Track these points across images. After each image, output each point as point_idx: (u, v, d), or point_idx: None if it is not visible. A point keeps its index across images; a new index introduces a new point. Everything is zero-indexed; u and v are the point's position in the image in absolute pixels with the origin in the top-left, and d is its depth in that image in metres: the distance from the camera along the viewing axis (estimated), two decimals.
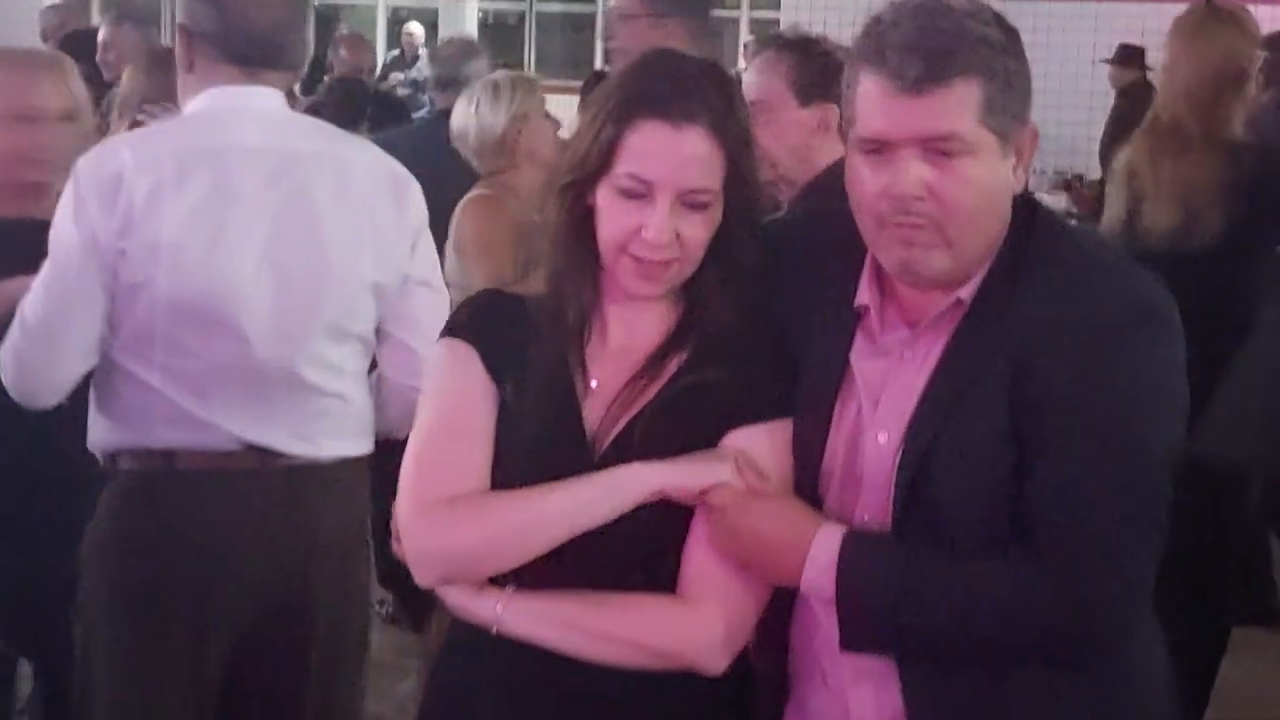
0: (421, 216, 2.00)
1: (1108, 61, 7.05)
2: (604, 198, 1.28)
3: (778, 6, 10.04)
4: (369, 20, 12.33)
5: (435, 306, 1.93)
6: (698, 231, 1.27)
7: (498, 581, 1.27)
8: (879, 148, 1.19)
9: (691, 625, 1.25)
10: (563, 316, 1.32)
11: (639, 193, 1.25)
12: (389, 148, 2.15)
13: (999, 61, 1.17)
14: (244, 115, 1.90)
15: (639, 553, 1.27)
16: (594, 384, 1.33)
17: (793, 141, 2.10)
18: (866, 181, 1.20)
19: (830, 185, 1.78)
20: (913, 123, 1.16)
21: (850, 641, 1.19)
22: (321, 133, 2.05)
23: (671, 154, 1.24)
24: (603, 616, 1.26)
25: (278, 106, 1.96)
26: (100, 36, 4.45)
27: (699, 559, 1.27)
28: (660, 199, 1.24)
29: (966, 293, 1.22)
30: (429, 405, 1.35)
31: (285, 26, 1.95)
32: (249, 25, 1.88)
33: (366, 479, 2.04)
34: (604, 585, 1.26)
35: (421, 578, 1.28)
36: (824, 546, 1.18)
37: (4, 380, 1.88)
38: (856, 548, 1.18)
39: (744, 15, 11.55)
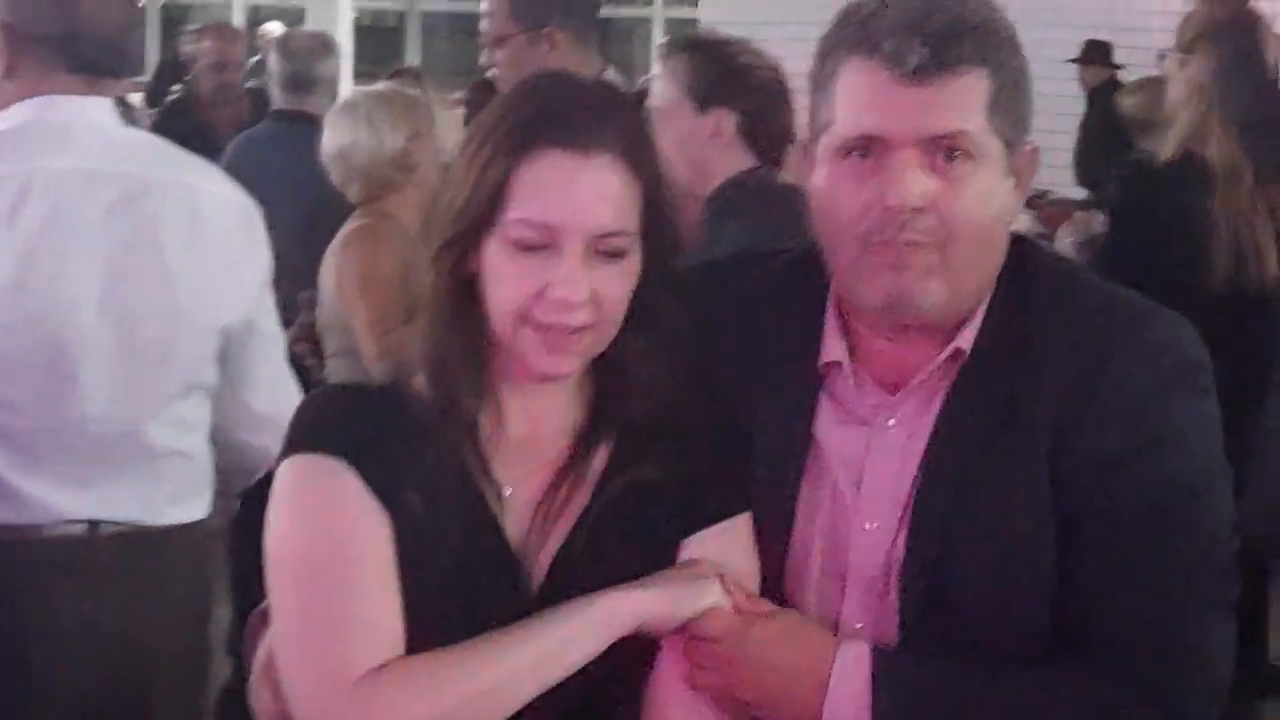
0: (269, 253, 1.86)
1: (1074, 61, 6.47)
2: (493, 254, 1.04)
3: (695, 3, 9.67)
4: (223, 20, 11.63)
5: (276, 357, 1.88)
6: (615, 287, 1.05)
7: None
8: (868, 150, 1.02)
9: None
10: (453, 411, 1.08)
11: (538, 243, 1.02)
12: (243, 164, 2.02)
13: (1008, 54, 1.04)
14: (81, 131, 1.69)
15: (597, 699, 1.07)
16: (507, 492, 1.10)
17: (692, 154, 1.95)
18: (848, 194, 1.03)
19: (727, 203, 1.82)
20: (914, 118, 1.01)
21: None
22: (165, 155, 1.84)
23: (577, 190, 1.02)
24: None
25: (113, 122, 1.77)
26: None
27: (667, 700, 1.07)
28: (568, 247, 1.02)
29: (966, 341, 1.05)
30: (299, 550, 1.07)
31: (131, 27, 1.80)
32: (98, 28, 1.67)
33: (217, 544, 1.97)
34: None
35: None
36: (849, 671, 1.01)
37: None
38: (890, 670, 1.00)
39: (658, 14, 11.24)
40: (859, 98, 1.03)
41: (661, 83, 2.09)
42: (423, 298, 1.12)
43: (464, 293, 1.08)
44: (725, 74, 2.01)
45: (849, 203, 1.03)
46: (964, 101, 1.01)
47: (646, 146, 1.11)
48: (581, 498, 1.11)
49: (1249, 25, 2.66)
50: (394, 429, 1.09)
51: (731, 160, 1.96)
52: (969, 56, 1.01)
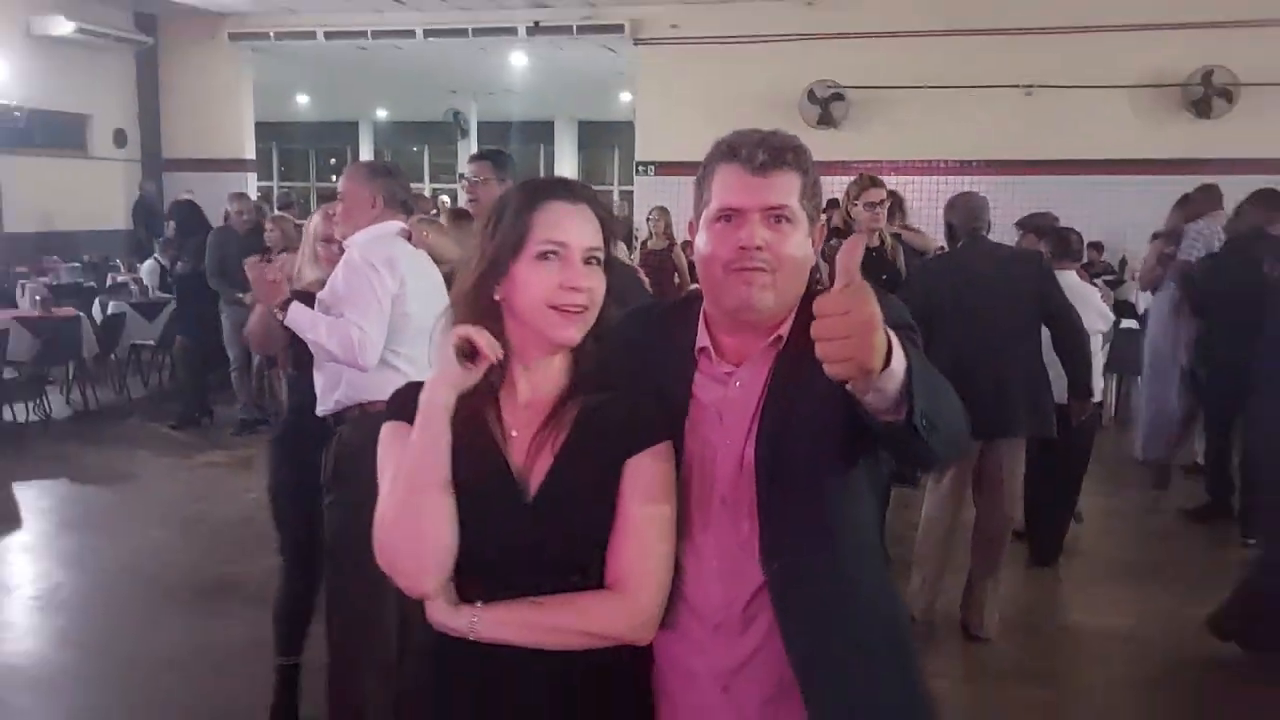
0: None
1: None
2: (522, 270, 1.50)
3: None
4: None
5: None
6: (599, 284, 1.53)
7: (467, 598, 1.50)
8: (731, 216, 1.52)
9: (624, 611, 1.49)
10: (481, 383, 1.52)
11: (555, 254, 1.50)
12: None
13: (810, 166, 1.57)
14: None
15: (574, 562, 1.51)
16: (513, 434, 1.55)
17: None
18: (718, 241, 1.53)
19: None
20: (759, 196, 1.51)
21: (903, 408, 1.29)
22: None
23: (576, 221, 1.52)
24: (554, 614, 1.49)
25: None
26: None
27: (623, 556, 1.50)
28: (574, 257, 1.50)
29: (784, 331, 1.55)
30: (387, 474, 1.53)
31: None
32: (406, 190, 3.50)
33: None
34: (549, 591, 1.49)
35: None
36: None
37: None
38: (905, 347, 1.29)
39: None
40: (726, 185, 1.53)
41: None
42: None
43: (494, 310, 1.53)
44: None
45: (720, 246, 1.52)
46: (787, 188, 1.52)
47: (605, 206, 1.58)
48: (562, 436, 1.53)
49: None
50: None
51: None
52: (790, 162, 1.53)
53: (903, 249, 4.82)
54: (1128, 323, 8.09)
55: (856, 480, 1.56)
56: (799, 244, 1.53)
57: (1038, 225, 5.75)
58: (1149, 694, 4.04)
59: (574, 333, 1.52)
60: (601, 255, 1.54)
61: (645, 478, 1.52)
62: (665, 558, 1.52)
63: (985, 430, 4.22)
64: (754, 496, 1.52)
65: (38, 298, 8.98)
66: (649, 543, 1.51)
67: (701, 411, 1.58)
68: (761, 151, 1.51)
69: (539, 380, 1.57)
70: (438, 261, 3.43)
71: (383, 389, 2.96)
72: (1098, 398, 5.50)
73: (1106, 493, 6.52)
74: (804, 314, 1.50)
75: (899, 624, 1.66)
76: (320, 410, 3.23)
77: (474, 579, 1.51)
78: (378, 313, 3.07)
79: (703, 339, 1.60)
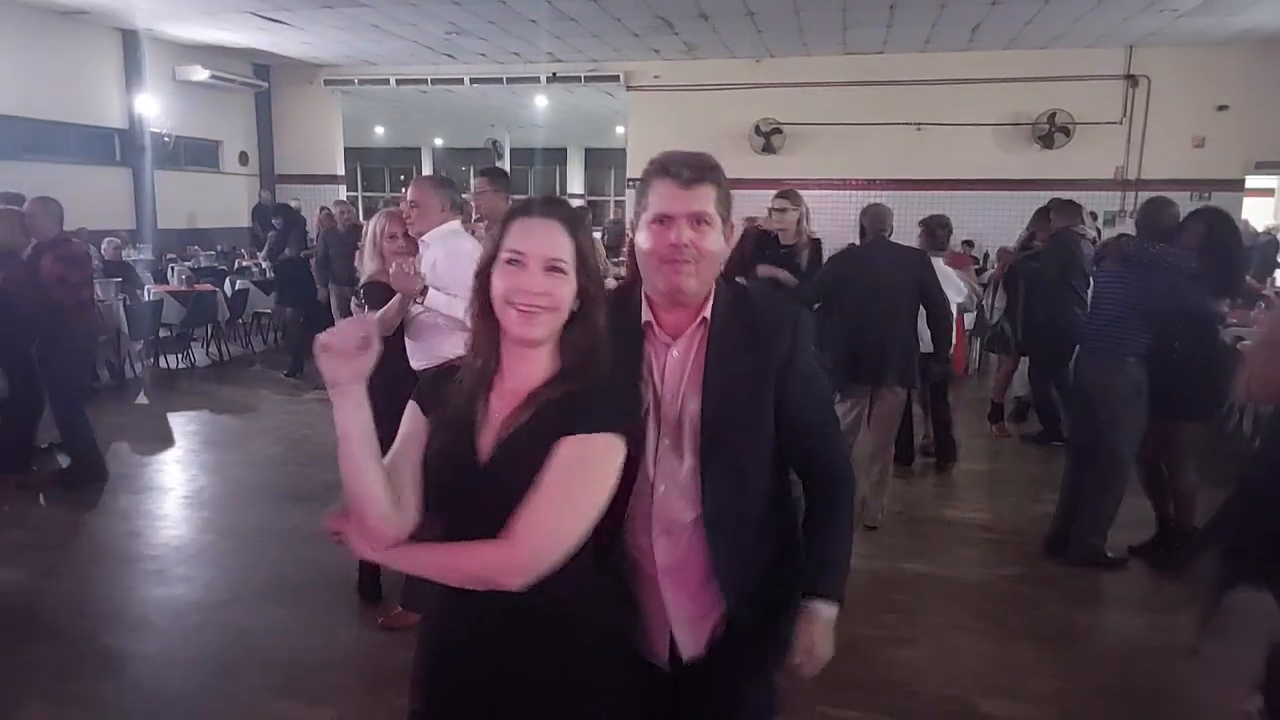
0: None
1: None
2: (496, 273, 1.35)
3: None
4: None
5: None
6: (558, 289, 1.34)
7: (415, 537, 1.31)
8: (664, 219, 1.48)
9: (503, 559, 1.26)
10: (478, 367, 1.38)
11: (517, 260, 1.34)
12: None
13: (723, 180, 1.51)
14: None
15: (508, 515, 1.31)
16: (492, 414, 1.36)
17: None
18: (654, 239, 1.48)
19: None
20: (685, 204, 1.47)
21: None
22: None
23: (537, 233, 1.34)
24: (444, 556, 1.30)
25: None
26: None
27: (521, 513, 1.28)
28: (532, 265, 1.34)
29: (707, 312, 1.52)
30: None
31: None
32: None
33: None
34: (492, 535, 1.29)
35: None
36: None
37: None
38: None
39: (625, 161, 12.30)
40: (660, 195, 1.48)
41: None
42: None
43: (489, 306, 1.37)
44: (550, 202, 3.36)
45: (656, 243, 1.48)
46: (707, 197, 1.47)
47: (581, 225, 1.38)
48: (525, 416, 1.34)
49: None
50: (449, 381, 1.40)
51: None
52: (709, 178, 1.48)
53: (809, 248, 4.76)
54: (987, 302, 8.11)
55: (768, 428, 1.54)
56: (715, 240, 1.49)
57: (928, 222, 5.72)
58: (1000, 569, 4.11)
59: (530, 329, 1.34)
60: (565, 264, 1.34)
61: (567, 455, 1.29)
62: (558, 524, 1.28)
63: (871, 379, 4.31)
64: (695, 440, 1.49)
65: (183, 276, 8.94)
66: (545, 508, 1.27)
67: (649, 374, 1.53)
68: (687, 169, 1.47)
69: (523, 369, 1.38)
70: None
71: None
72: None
73: (972, 425, 6.59)
74: (720, 297, 1.53)
75: (788, 529, 1.62)
76: (416, 365, 3.11)
77: (437, 529, 1.35)
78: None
79: (646, 315, 1.54)
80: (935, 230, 5.59)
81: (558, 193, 21.28)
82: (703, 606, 1.54)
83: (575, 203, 5.24)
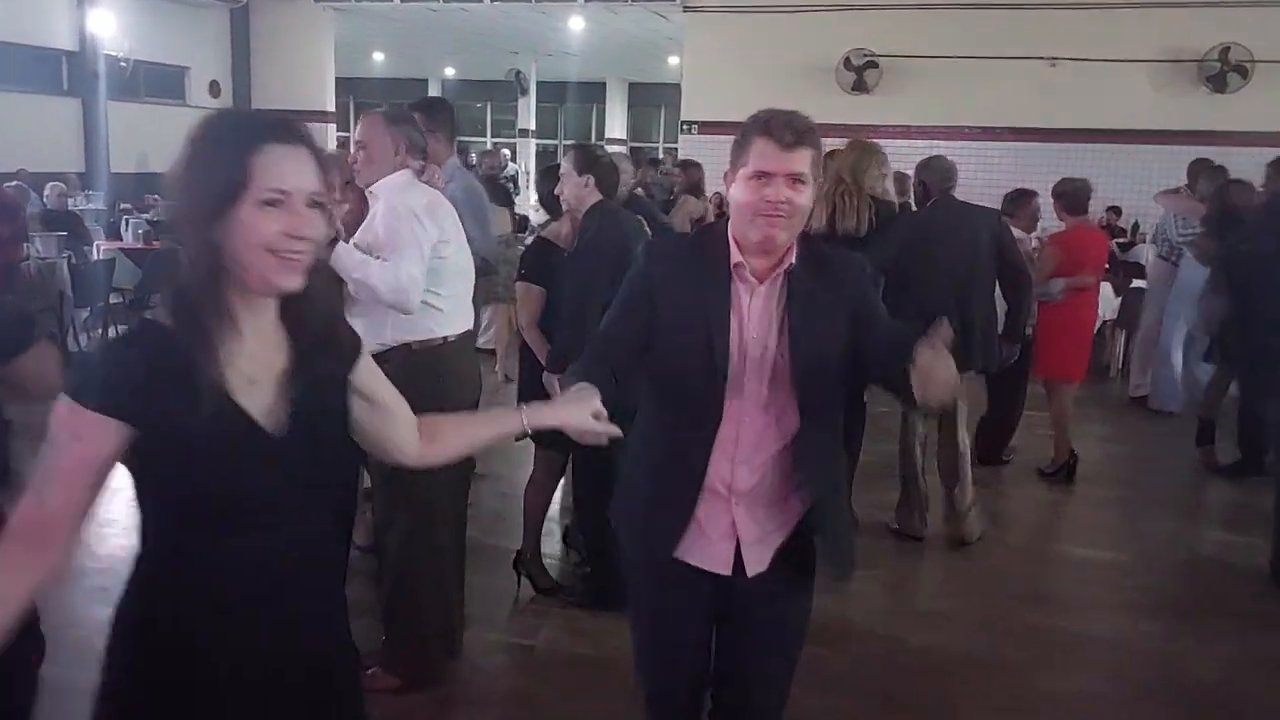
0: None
1: None
2: (247, 214, 1.36)
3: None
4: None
5: None
6: (318, 227, 1.41)
7: (208, 545, 1.43)
8: (763, 176, 1.91)
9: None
10: (206, 331, 1.38)
11: (279, 201, 1.37)
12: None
13: (818, 143, 1.97)
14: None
15: (322, 502, 1.55)
16: (247, 378, 1.41)
17: (575, 194, 3.72)
18: (752, 194, 1.92)
19: (590, 218, 3.66)
20: (785, 165, 1.91)
21: None
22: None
23: (297, 166, 1.40)
24: None
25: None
26: None
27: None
28: (298, 203, 1.38)
29: (790, 259, 1.99)
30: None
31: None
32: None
33: None
34: (292, 536, 1.47)
35: None
36: None
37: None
38: None
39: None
40: (761, 154, 1.92)
41: (566, 162, 3.79)
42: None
43: (215, 250, 1.36)
44: (590, 158, 3.75)
45: (754, 198, 1.92)
46: (804, 159, 1.93)
47: (319, 147, 1.43)
48: (289, 380, 1.45)
49: None
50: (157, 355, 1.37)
51: (593, 198, 3.70)
52: (809, 142, 1.94)
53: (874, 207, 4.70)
54: (1139, 283, 7.94)
55: (841, 364, 2.01)
56: (807, 198, 1.94)
57: (1065, 190, 5.58)
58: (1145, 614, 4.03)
59: (297, 278, 1.41)
60: (322, 197, 1.42)
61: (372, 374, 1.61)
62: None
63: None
64: (781, 375, 1.98)
65: (140, 231, 9.12)
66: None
67: (738, 312, 1.99)
68: (789, 132, 1.90)
69: (263, 323, 1.45)
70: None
71: (427, 328, 3.10)
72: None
73: (1105, 435, 6.46)
74: (803, 248, 2.01)
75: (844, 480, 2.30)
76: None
77: (220, 526, 1.41)
78: (419, 257, 2.99)
79: (737, 257, 1.99)
80: (1070, 196, 5.48)
81: (593, 137, 21.33)
82: (768, 528, 2.06)
83: (615, 149, 5.24)
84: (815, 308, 1.98)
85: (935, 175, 4.63)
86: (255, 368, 1.42)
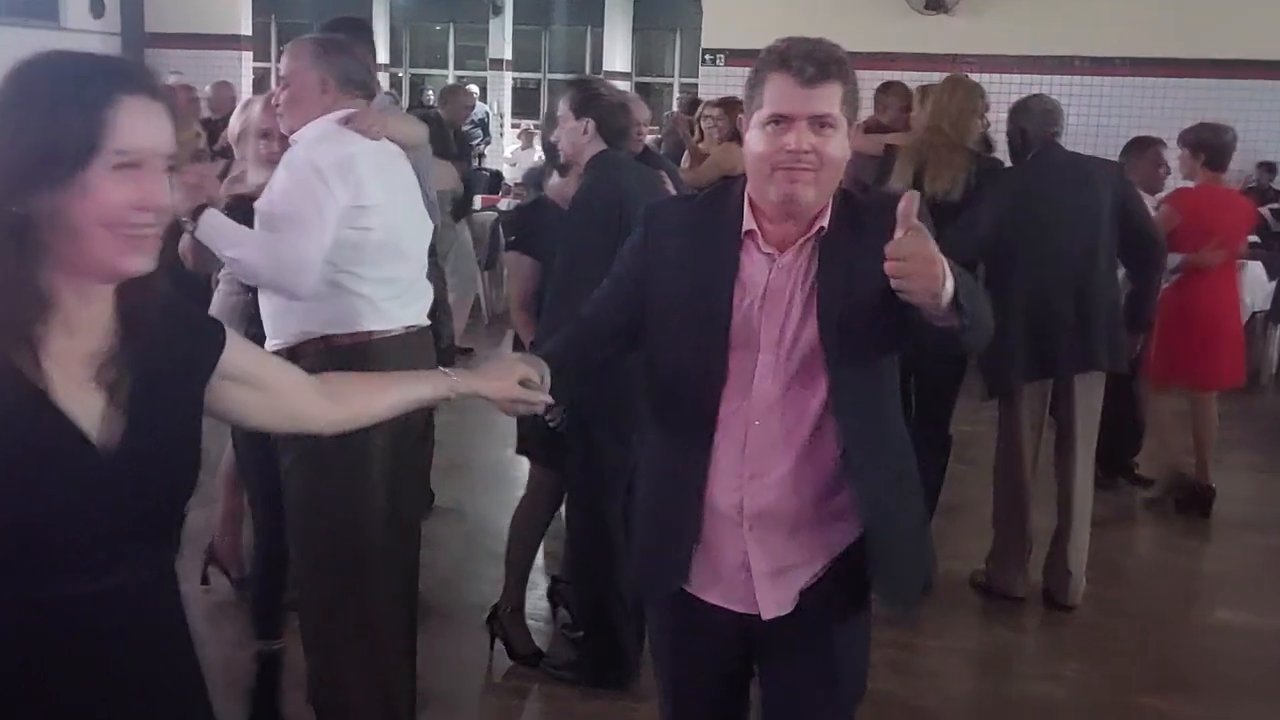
0: None
1: None
2: (96, 180, 1.39)
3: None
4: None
5: None
6: (170, 198, 1.49)
7: (25, 586, 1.43)
8: (781, 121, 1.95)
9: None
10: (20, 324, 1.41)
11: (134, 164, 1.42)
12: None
13: (851, 75, 2.01)
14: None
15: (159, 526, 1.58)
16: (72, 381, 1.44)
17: (573, 141, 3.73)
18: (768, 143, 1.97)
19: (591, 167, 3.71)
20: (807, 105, 1.94)
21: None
22: None
23: (159, 125, 1.45)
24: None
25: None
26: None
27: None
28: (157, 168, 1.45)
29: (824, 221, 2.03)
30: None
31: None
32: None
33: None
34: (131, 559, 1.50)
35: None
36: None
37: None
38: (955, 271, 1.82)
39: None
40: (777, 93, 1.97)
41: (562, 103, 3.78)
42: None
43: (20, 228, 1.38)
44: (590, 97, 3.72)
45: (770, 148, 1.97)
46: (831, 98, 1.97)
47: (180, 113, 1.52)
48: (128, 376, 1.47)
49: None
50: None
51: (594, 147, 3.71)
52: (835, 75, 1.97)
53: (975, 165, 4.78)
54: None
55: (890, 348, 2.10)
56: (839, 145, 1.98)
57: (1199, 139, 5.56)
58: None
59: (147, 258, 1.46)
60: (175, 161, 1.49)
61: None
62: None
63: (1070, 364, 4.43)
64: (808, 366, 2.03)
65: None
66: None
67: (745, 289, 2.05)
68: (810, 65, 1.93)
69: (94, 313, 1.49)
70: (404, 148, 3.36)
71: (347, 320, 3.05)
72: None
73: (1253, 463, 6.43)
74: (840, 206, 2.05)
75: (912, 463, 2.24)
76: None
77: (25, 573, 1.41)
78: (318, 229, 2.89)
79: (749, 223, 2.05)
80: (1208, 146, 5.45)
81: (588, 70, 21.33)
82: (790, 560, 2.10)
83: (619, 85, 5.25)
84: (854, 278, 1.98)
85: (1035, 120, 4.59)
86: (82, 369, 1.45)
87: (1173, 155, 5.83)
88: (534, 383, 2.00)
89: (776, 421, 2.05)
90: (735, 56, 11.65)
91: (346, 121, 3.08)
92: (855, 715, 2.25)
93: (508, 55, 20.65)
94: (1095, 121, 8.61)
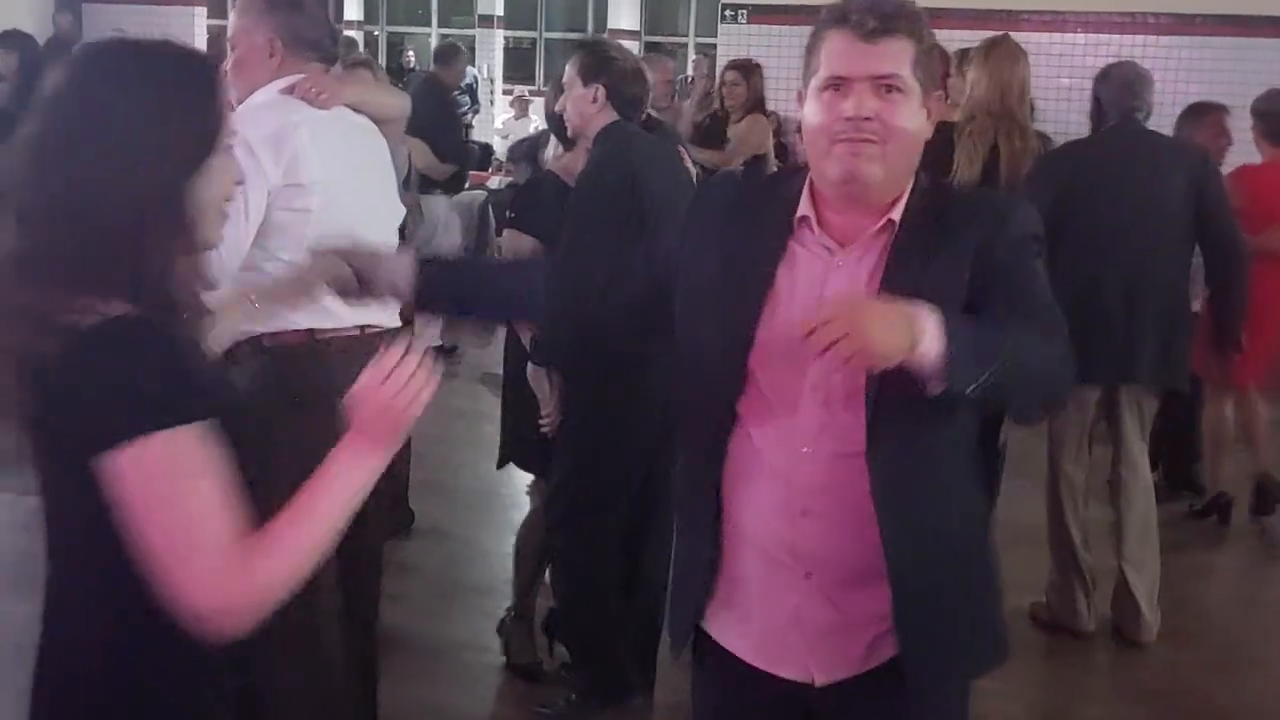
0: None
1: None
2: (218, 165, 1.68)
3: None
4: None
5: None
6: None
7: None
8: (839, 84, 1.89)
9: None
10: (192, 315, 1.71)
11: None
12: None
13: (925, 32, 1.94)
14: None
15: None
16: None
17: (580, 110, 3.72)
18: (825, 111, 1.91)
19: (600, 140, 3.70)
20: (868, 64, 1.88)
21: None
22: None
23: None
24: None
25: None
26: None
27: None
28: None
29: (896, 215, 1.95)
30: None
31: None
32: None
33: None
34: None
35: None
36: (932, 319, 1.72)
37: None
38: (950, 324, 1.73)
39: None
40: (834, 53, 1.91)
41: (568, 69, 3.77)
42: None
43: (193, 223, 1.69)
44: (601, 61, 3.70)
45: (827, 116, 1.90)
46: (898, 56, 1.89)
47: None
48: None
49: None
50: None
51: (604, 117, 3.69)
52: (903, 29, 1.90)
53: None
54: None
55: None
56: (911, 115, 1.91)
57: (1266, 109, 5.53)
58: None
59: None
60: None
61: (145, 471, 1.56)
62: None
63: (1114, 371, 4.40)
64: (861, 385, 1.89)
65: None
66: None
67: (793, 288, 1.96)
68: (872, 17, 1.87)
69: None
70: (379, 122, 3.36)
71: (282, 316, 2.92)
72: None
73: None
74: (920, 198, 1.97)
75: (984, 531, 2.19)
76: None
77: None
78: (239, 209, 2.77)
79: (805, 209, 1.98)
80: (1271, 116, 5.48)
81: (590, 28, 21.35)
82: (855, 613, 1.99)
83: (628, 45, 5.29)
84: (929, 280, 1.89)
85: (1112, 90, 4.54)
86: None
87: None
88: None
89: (833, 446, 1.93)
90: (759, 13, 11.64)
91: (291, 89, 3.04)
92: None
93: (499, 11, 20.57)
94: (1173, 93, 8.56)
